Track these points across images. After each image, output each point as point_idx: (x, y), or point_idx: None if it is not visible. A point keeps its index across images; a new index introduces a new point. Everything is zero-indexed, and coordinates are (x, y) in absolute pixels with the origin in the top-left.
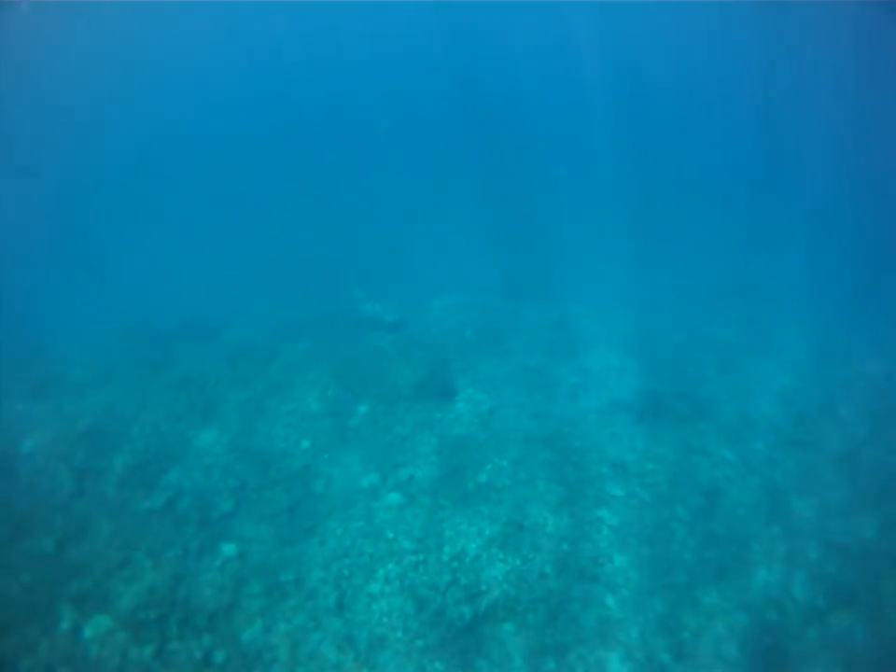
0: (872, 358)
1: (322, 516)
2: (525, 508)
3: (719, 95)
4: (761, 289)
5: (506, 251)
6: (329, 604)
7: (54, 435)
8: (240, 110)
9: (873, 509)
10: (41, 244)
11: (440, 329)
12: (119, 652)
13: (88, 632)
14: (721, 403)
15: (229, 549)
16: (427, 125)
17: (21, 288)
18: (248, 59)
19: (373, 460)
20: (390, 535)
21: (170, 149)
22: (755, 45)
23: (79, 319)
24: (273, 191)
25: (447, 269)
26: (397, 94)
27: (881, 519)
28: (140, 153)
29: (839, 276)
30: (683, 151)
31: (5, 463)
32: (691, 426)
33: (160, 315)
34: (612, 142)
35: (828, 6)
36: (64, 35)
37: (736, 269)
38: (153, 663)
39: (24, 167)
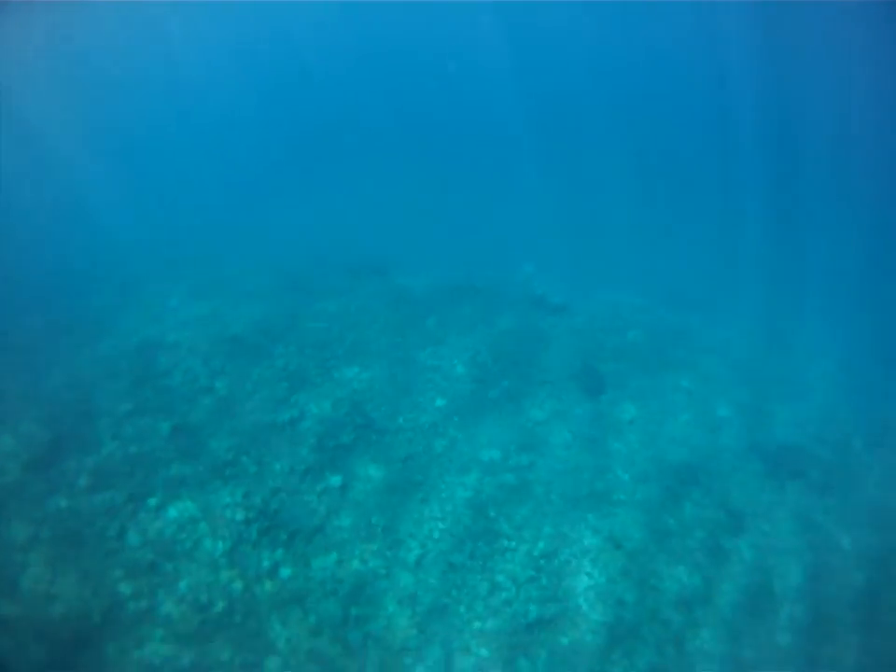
0: None
1: (434, 475)
2: (629, 529)
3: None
4: None
5: (686, 259)
6: (409, 559)
7: (200, 335)
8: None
9: None
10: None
11: (603, 323)
12: (193, 539)
13: (172, 512)
14: None
15: (334, 479)
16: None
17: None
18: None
19: (501, 437)
20: (492, 514)
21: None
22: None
23: (253, 243)
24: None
25: (621, 262)
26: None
27: None
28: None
29: None
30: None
31: (147, 351)
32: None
33: (329, 250)
34: None
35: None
36: None
37: None
38: (221, 559)
39: None
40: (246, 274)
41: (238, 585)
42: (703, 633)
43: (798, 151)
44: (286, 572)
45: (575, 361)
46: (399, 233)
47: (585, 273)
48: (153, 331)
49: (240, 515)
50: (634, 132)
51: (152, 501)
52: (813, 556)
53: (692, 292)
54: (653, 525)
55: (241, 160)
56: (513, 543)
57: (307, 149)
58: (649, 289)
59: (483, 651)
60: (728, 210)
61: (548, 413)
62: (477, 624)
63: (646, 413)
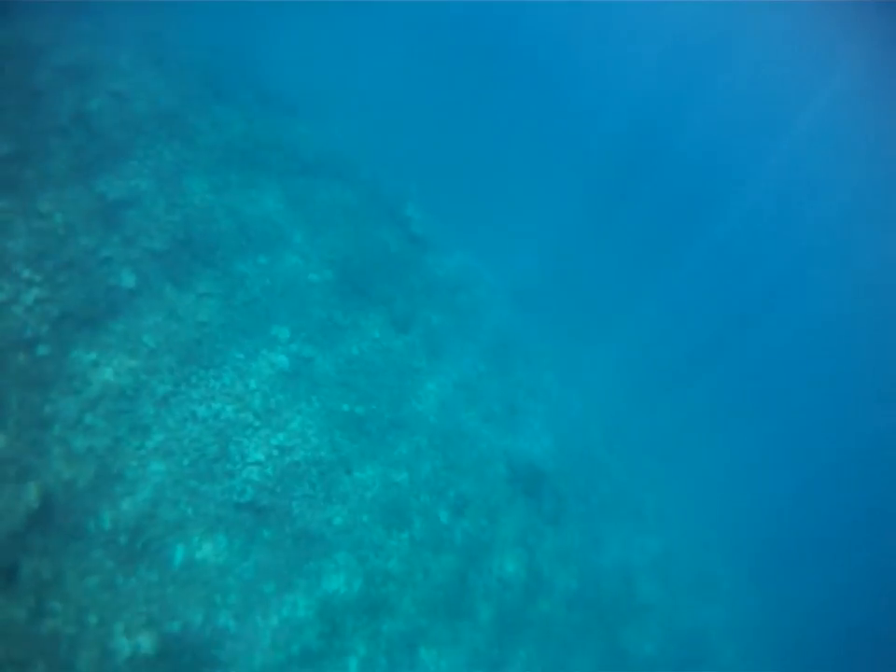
0: None
1: (216, 325)
2: (362, 465)
3: None
4: None
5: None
6: (157, 391)
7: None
8: None
9: None
10: None
11: (446, 272)
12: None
13: None
14: None
15: (128, 279)
16: None
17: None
18: None
19: (296, 321)
20: (253, 385)
21: None
22: None
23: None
24: None
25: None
26: None
27: None
28: None
29: None
30: None
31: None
32: None
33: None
34: None
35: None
36: None
37: None
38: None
39: None
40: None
41: None
42: None
43: None
44: (42, 350)
45: (399, 290)
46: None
47: (458, 217)
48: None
49: (25, 273)
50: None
51: None
52: None
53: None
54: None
55: None
56: (258, 423)
57: None
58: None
59: (189, 511)
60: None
61: (349, 321)
62: (193, 483)
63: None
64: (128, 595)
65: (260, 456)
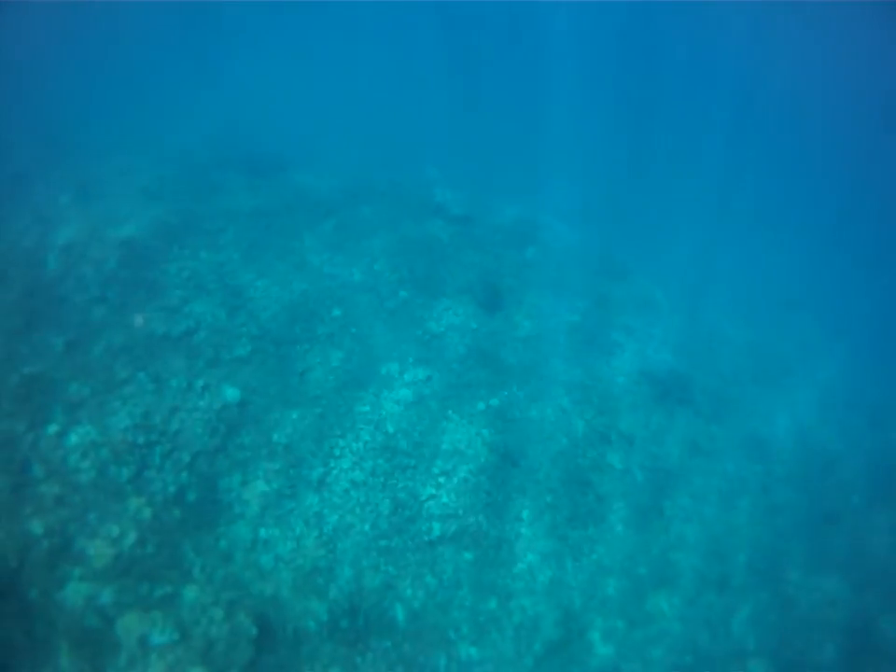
0: None
1: (329, 389)
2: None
3: None
4: None
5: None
6: (312, 477)
7: (93, 236)
8: None
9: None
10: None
11: (504, 236)
12: (96, 467)
13: (73, 439)
14: None
15: (232, 394)
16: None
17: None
18: None
19: (397, 349)
20: (391, 429)
21: None
22: None
23: (146, 130)
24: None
25: (525, 176)
26: None
27: None
28: None
29: None
30: None
31: (36, 253)
32: None
33: (227, 142)
34: None
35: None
36: None
37: None
38: (127, 486)
39: None
40: (140, 170)
41: (146, 513)
42: None
43: None
44: (191, 496)
45: (472, 275)
46: (302, 129)
47: (489, 183)
48: (42, 233)
49: (141, 438)
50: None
51: (52, 428)
52: None
53: (595, 210)
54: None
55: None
56: (413, 461)
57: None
58: (550, 206)
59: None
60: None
61: (444, 327)
62: (383, 542)
63: (544, 331)
64: (371, 669)
65: (431, 490)
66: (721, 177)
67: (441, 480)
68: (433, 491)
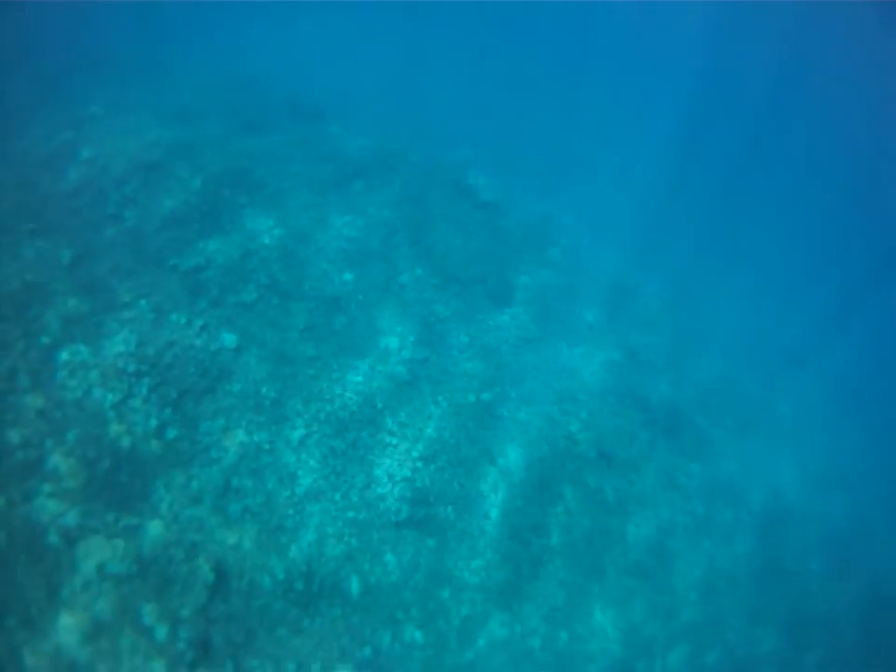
0: None
1: (328, 352)
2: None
3: None
4: None
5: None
6: (292, 437)
7: (118, 153)
8: None
9: None
10: None
11: (527, 232)
12: (83, 387)
13: (64, 355)
14: None
15: (229, 339)
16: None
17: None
18: None
19: (400, 325)
20: (379, 405)
21: None
22: None
23: (192, 56)
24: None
25: (563, 176)
26: None
27: None
28: None
29: None
30: None
31: (58, 160)
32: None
33: (266, 86)
34: None
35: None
36: None
37: None
38: (109, 412)
39: None
40: (181, 89)
41: (125, 442)
42: None
43: None
44: (171, 433)
45: (489, 266)
46: (342, 84)
47: (523, 175)
48: (68, 139)
49: (132, 366)
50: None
51: (45, 340)
52: None
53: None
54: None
55: None
56: (396, 441)
57: None
58: (581, 210)
59: (354, 542)
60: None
61: (451, 313)
62: (350, 514)
63: (546, 336)
64: (317, 634)
65: (407, 472)
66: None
67: (419, 465)
68: (408, 474)
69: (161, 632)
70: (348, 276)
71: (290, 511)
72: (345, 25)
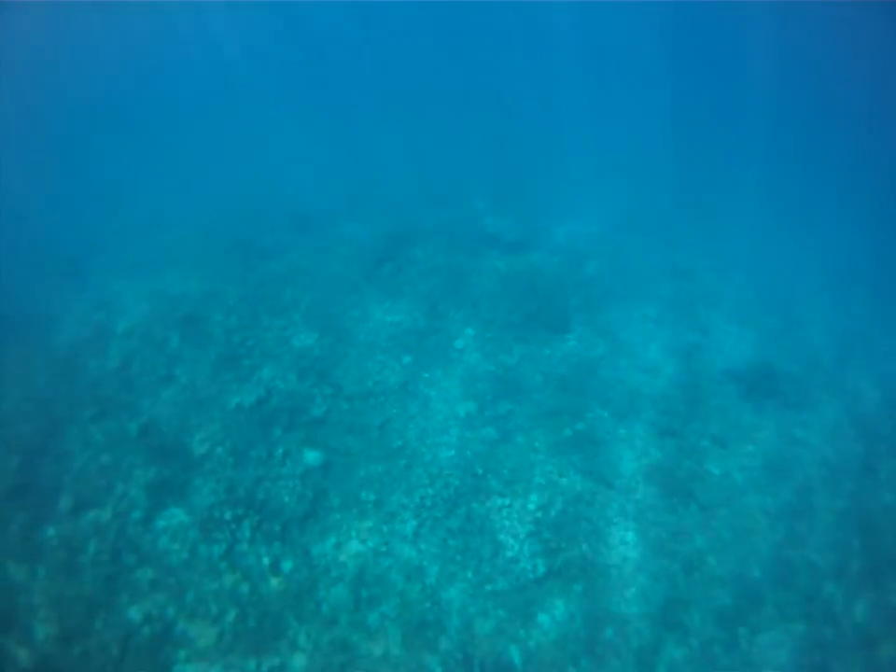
0: None
1: (413, 438)
2: (617, 464)
3: None
4: None
5: (639, 184)
6: (406, 531)
7: (151, 317)
8: None
9: None
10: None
11: (560, 258)
12: (188, 548)
13: (160, 522)
14: None
15: (313, 457)
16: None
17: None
18: None
19: (472, 388)
20: (479, 471)
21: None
22: None
23: (185, 203)
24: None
25: (575, 194)
26: None
27: None
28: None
29: None
30: None
31: (99, 342)
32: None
33: (267, 204)
34: None
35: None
36: None
37: None
38: (220, 563)
39: None
40: (188, 239)
41: (244, 588)
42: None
43: None
44: (287, 566)
45: (536, 301)
46: (342, 180)
47: (536, 205)
48: (102, 319)
49: (228, 514)
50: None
51: (137, 514)
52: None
53: (647, 216)
54: (638, 458)
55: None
56: (508, 500)
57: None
58: (602, 217)
59: (501, 612)
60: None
61: (517, 357)
62: (488, 587)
63: (615, 347)
64: None
65: (530, 527)
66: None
67: (539, 514)
68: (532, 528)
69: None
70: (407, 359)
71: (428, 605)
72: (311, 126)
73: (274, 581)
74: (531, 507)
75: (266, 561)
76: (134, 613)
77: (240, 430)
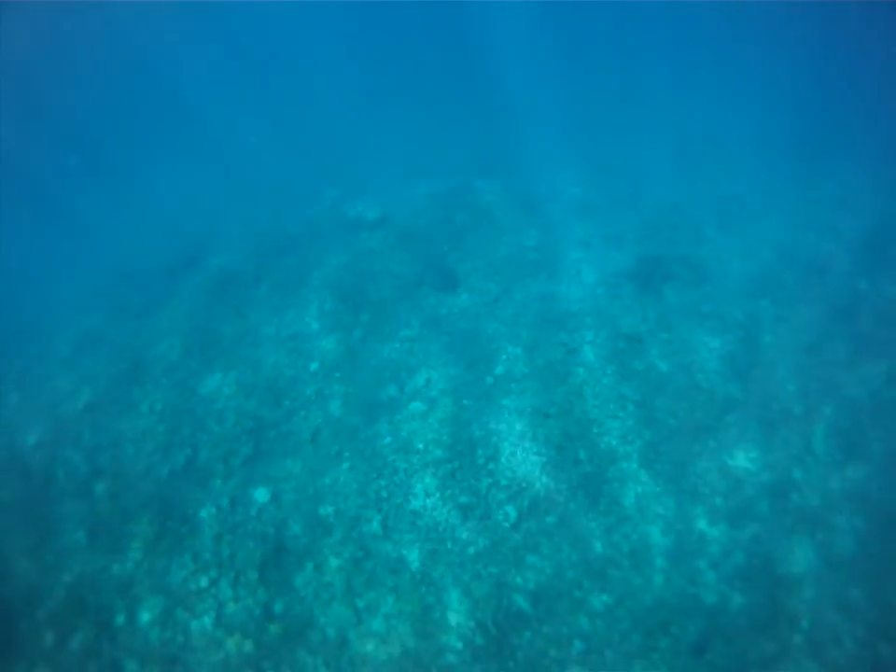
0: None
1: (347, 439)
2: (548, 395)
3: None
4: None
5: (468, 133)
6: (374, 529)
7: (56, 419)
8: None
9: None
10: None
11: (427, 218)
12: (181, 630)
13: (144, 617)
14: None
15: (260, 494)
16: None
17: None
18: None
19: (386, 370)
20: (420, 446)
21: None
22: None
23: (53, 278)
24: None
25: (416, 157)
26: None
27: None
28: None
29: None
30: None
31: (15, 463)
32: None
33: (134, 257)
34: None
35: None
36: None
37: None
38: (216, 632)
39: None
40: (72, 328)
41: (248, 647)
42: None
43: None
44: (279, 607)
45: (417, 265)
46: (201, 214)
47: (391, 175)
48: (9, 441)
49: (203, 581)
50: None
51: (120, 618)
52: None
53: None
54: (567, 382)
55: None
56: (456, 463)
57: None
58: (455, 169)
59: (492, 569)
60: None
61: (417, 327)
62: (471, 549)
63: (508, 285)
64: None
65: (489, 480)
66: None
67: (492, 466)
68: (493, 480)
69: None
70: (314, 366)
71: (423, 589)
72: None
73: (273, 627)
74: (480, 461)
75: (257, 611)
76: None
77: (182, 496)
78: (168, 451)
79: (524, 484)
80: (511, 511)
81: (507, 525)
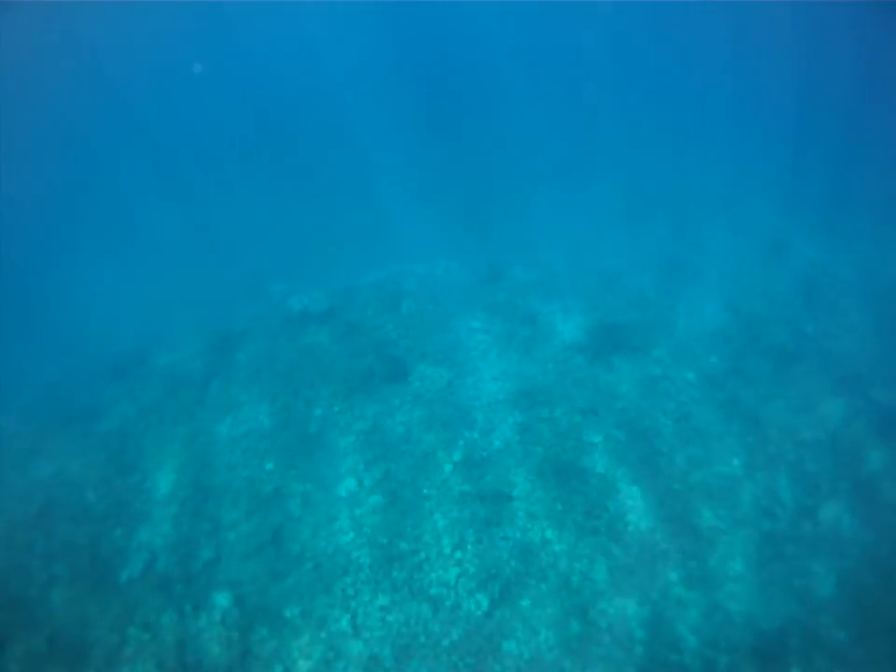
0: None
1: (308, 537)
2: (510, 477)
3: None
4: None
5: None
6: (343, 627)
7: (8, 525)
8: None
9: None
10: None
11: (374, 308)
12: None
13: None
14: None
15: (223, 598)
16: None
17: None
18: None
19: (343, 464)
20: (384, 540)
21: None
22: None
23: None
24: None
25: (362, 244)
26: None
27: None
28: None
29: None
30: None
31: None
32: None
33: (77, 360)
34: None
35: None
36: None
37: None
38: None
39: None
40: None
41: None
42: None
43: None
44: None
45: (367, 357)
46: (141, 315)
47: (337, 266)
48: None
49: None
50: None
51: None
52: None
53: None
54: (527, 464)
55: None
56: (423, 555)
57: None
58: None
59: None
60: None
61: (371, 418)
62: (445, 642)
63: (459, 369)
64: None
65: (455, 569)
66: None
67: (458, 555)
68: (442, 573)
69: None
70: (269, 465)
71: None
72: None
73: None
74: (447, 550)
75: None
76: None
77: (142, 603)
78: (126, 557)
79: (493, 571)
80: (476, 604)
81: (479, 613)
